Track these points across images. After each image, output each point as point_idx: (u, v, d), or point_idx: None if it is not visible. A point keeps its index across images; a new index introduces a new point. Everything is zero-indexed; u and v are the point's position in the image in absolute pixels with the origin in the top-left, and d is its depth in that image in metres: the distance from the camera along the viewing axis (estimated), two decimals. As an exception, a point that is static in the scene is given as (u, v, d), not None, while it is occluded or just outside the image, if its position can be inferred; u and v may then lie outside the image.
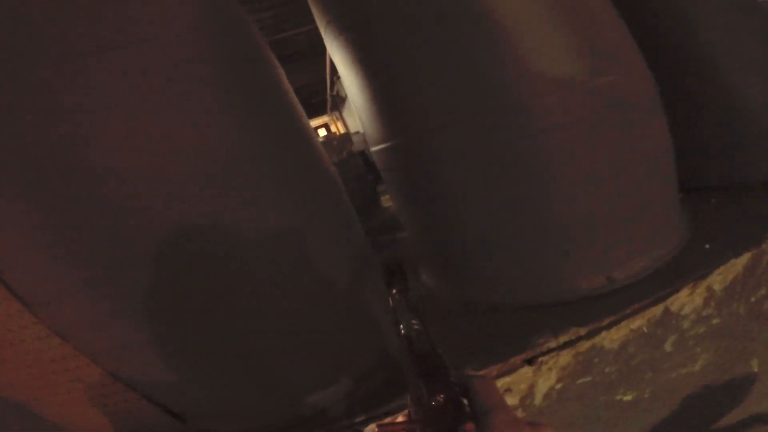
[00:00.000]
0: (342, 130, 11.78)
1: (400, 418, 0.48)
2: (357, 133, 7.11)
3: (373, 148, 1.62)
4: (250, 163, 1.06)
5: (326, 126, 13.41)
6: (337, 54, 1.56)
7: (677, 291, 1.16)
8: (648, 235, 1.29)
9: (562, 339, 1.13)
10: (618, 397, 1.23)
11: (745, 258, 1.20)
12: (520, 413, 1.15)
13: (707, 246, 1.33)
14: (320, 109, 12.23)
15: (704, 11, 1.58)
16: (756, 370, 1.35)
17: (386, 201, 4.62)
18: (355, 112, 1.82)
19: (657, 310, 1.15)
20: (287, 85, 1.33)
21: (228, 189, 1.01)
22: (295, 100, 1.34)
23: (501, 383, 1.13)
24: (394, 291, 0.73)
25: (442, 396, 0.41)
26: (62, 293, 0.95)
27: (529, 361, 1.13)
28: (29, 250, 0.91)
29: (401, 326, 0.62)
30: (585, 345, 1.13)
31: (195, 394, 1.14)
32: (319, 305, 1.17)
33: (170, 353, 1.05)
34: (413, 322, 0.61)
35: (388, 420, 0.50)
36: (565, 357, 1.14)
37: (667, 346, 1.22)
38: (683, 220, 1.46)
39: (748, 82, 1.57)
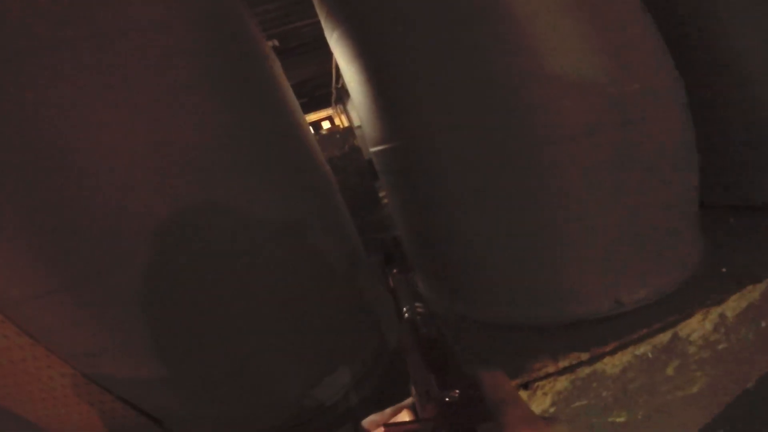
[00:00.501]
0: (346, 124, 11.68)
1: (405, 416, 0.42)
2: (360, 127, 7.03)
3: (372, 149, 1.53)
4: (238, 159, 1.00)
5: (330, 119, 13.30)
6: (336, 48, 1.47)
7: (689, 317, 1.08)
8: (663, 257, 1.19)
9: (562, 364, 1.05)
10: (610, 420, 1.15)
11: (764, 285, 1.12)
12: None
13: (724, 270, 1.24)
14: (325, 101, 12.12)
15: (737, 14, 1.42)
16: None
17: (386, 198, 4.54)
18: (355, 109, 1.73)
19: (665, 336, 1.07)
20: (282, 80, 1.26)
21: (215, 186, 0.95)
22: (291, 95, 1.28)
23: (493, 406, 1.06)
24: (394, 270, 0.70)
25: (456, 391, 0.37)
26: (35, 294, 0.89)
27: (525, 385, 1.05)
28: (1, 248, 0.85)
29: (404, 309, 0.56)
30: (585, 371, 1.05)
31: (178, 398, 1.08)
32: (310, 302, 1.12)
33: (151, 357, 0.98)
34: (417, 305, 0.56)
35: (393, 419, 0.42)
36: (563, 382, 1.06)
37: (669, 371, 1.14)
38: (700, 240, 1.36)
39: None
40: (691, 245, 1.30)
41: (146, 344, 0.96)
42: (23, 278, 0.88)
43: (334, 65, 7.54)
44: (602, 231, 1.11)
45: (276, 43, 5.44)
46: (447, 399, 0.37)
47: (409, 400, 0.44)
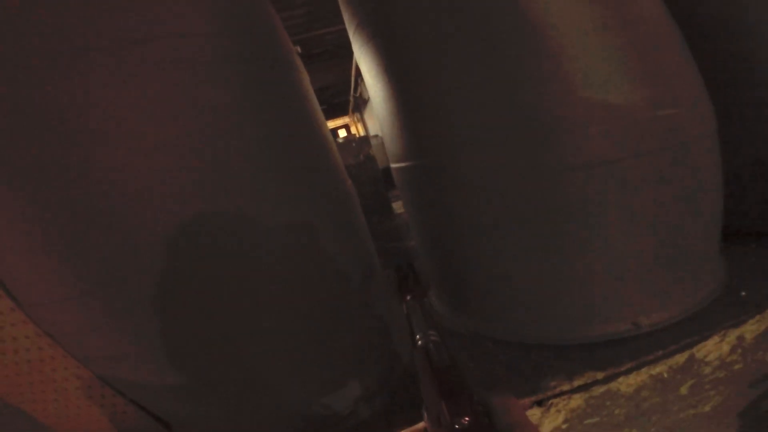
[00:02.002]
0: (362, 132, 11.77)
1: None
2: (376, 136, 7.07)
3: (394, 165, 1.55)
4: (262, 167, 1.02)
5: (347, 127, 13.41)
6: (363, 60, 1.50)
7: (706, 339, 1.07)
8: (684, 281, 1.19)
9: (577, 383, 1.05)
10: None
11: (784, 308, 1.11)
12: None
13: (743, 293, 1.23)
14: (342, 109, 12.23)
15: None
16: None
17: (399, 207, 4.56)
18: (377, 122, 1.75)
19: (681, 358, 1.07)
20: (308, 89, 1.28)
21: (236, 193, 0.97)
22: (316, 105, 1.29)
23: (506, 421, 1.07)
24: (407, 296, 0.70)
25: (466, 419, 0.38)
26: (58, 296, 0.91)
27: (539, 403, 1.06)
28: (26, 248, 0.88)
29: (417, 337, 0.57)
30: (599, 389, 1.05)
31: (189, 403, 1.09)
32: (323, 310, 1.12)
33: (167, 362, 1.00)
34: (431, 332, 0.56)
35: None
36: (577, 400, 1.06)
37: (683, 390, 1.13)
38: (721, 265, 1.36)
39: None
40: (713, 270, 1.29)
41: (163, 349, 0.97)
42: (48, 281, 0.90)
43: (353, 74, 7.63)
44: (625, 254, 1.11)
45: (299, 49, 5.53)
46: (457, 426, 0.38)
47: (421, 425, 0.46)
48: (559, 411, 1.06)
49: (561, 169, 1.07)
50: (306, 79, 1.29)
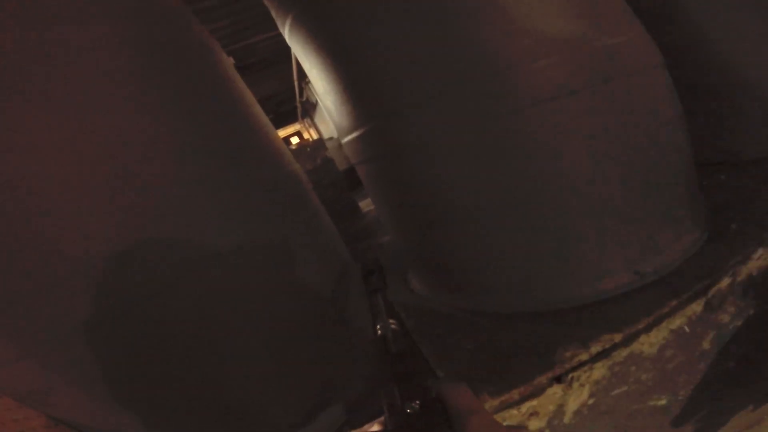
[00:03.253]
0: (315, 137, 11.56)
1: (375, 427, 0.44)
2: (331, 139, 6.92)
3: (344, 139, 1.41)
4: (200, 182, 0.88)
5: (299, 134, 13.15)
6: (291, 37, 1.37)
7: (718, 281, 1.01)
8: (673, 218, 1.12)
9: (595, 349, 0.95)
10: (651, 403, 1.07)
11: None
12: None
13: (734, 226, 1.18)
14: (291, 117, 11.96)
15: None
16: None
17: (366, 205, 4.44)
18: (321, 106, 1.61)
19: (697, 306, 0.99)
20: (233, 73, 1.15)
21: (169, 206, 0.82)
22: (245, 90, 1.16)
23: (525, 408, 0.96)
24: (372, 290, 0.70)
25: (417, 402, 0.40)
26: None
27: (558, 379, 0.95)
28: None
29: (378, 326, 0.58)
30: (622, 353, 0.96)
31: None
32: (294, 329, 1.00)
33: (122, 397, 0.85)
34: (391, 321, 0.58)
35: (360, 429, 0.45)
36: (600, 370, 0.97)
37: (705, 344, 1.07)
38: (703, 201, 1.31)
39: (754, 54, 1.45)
40: (697, 204, 1.24)
41: (110, 385, 0.83)
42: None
43: (296, 78, 7.43)
44: (602, 197, 1.03)
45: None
46: (408, 411, 0.39)
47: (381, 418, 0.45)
48: (582, 385, 0.96)
49: (514, 110, 1.00)
50: (228, 61, 1.15)
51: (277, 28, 1.49)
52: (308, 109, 10.61)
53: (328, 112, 1.47)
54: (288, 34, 1.37)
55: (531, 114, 0.99)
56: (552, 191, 1.04)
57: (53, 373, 0.81)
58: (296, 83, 7.82)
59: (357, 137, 1.30)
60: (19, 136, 0.70)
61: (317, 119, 10.52)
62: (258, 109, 1.17)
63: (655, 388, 1.05)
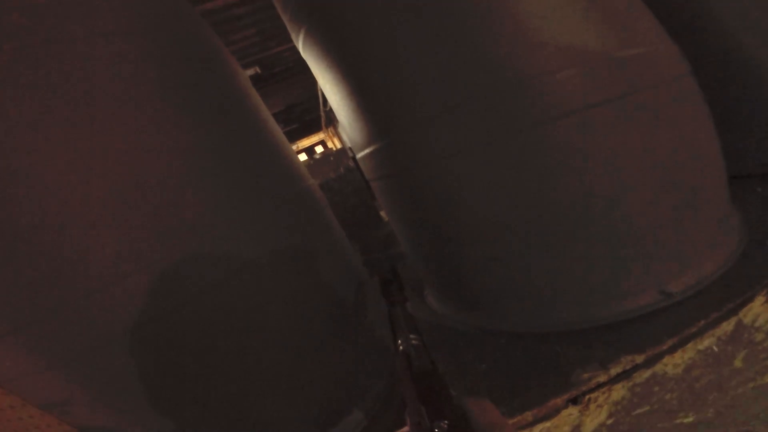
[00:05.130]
0: (339, 146, 11.66)
1: None
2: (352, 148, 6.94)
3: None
4: (219, 192, 0.89)
5: (323, 143, 13.28)
6: (305, 50, 1.36)
7: (751, 300, 0.94)
8: (704, 233, 1.05)
9: (614, 370, 0.90)
10: (677, 422, 1.00)
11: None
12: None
13: (770, 242, 1.11)
14: (315, 126, 12.11)
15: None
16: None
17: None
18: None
19: (728, 326, 0.93)
20: (249, 87, 1.17)
21: (183, 222, 0.83)
22: (260, 104, 1.18)
23: (538, 429, 0.91)
24: (391, 301, 0.71)
25: (445, 423, 0.39)
26: None
27: (574, 401, 0.91)
28: None
29: (399, 342, 0.58)
30: (644, 374, 0.91)
31: None
32: (319, 330, 1.01)
33: (141, 407, 0.85)
34: (412, 336, 0.58)
35: None
36: (619, 391, 0.91)
37: (737, 363, 0.99)
38: (737, 214, 1.22)
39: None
40: (730, 219, 1.16)
41: (131, 395, 0.84)
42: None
43: (319, 88, 7.52)
44: (627, 214, 0.98)
45: (258, 70, 5.41)
46: (436, 430, 0.39)
47: (404, 430, 0.44)
48: (600, 406, 0.91)
49: (537, 122, 0.95)
50: (243, 75, 1.17)
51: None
52: (332, 118, 10.73)
53: (342, 126, 1.46)
54: (302, 46, 1.37)
55: (553, 128, 0.95)
56: (574, 208, 0.99)
57: (76, 384, 0.83)
58: (320, 92, 7.91)
59: (371, 153, 1.28)
60: (55, 148, 0.72)
61: (340, 128, 10.62)
62: (274, 124, 1.19)
63: (682, 407, 0.98)
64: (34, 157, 0.70)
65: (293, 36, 1.39)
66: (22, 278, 0.73)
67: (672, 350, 0.90)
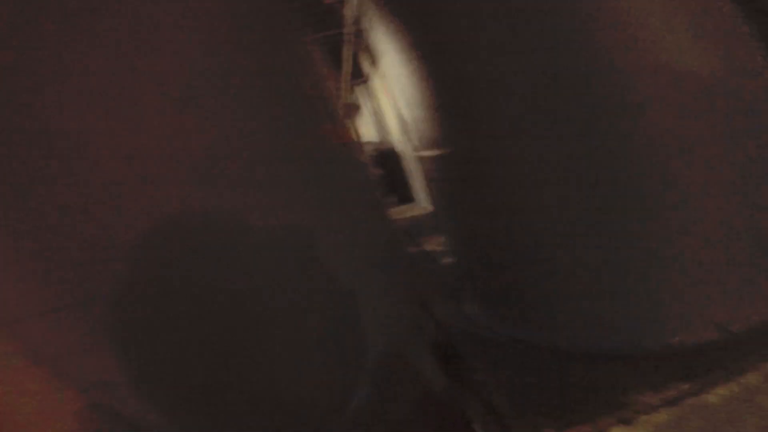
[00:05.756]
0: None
1: None
2: (369, 143, 6.88)
3: (425, 153, 1.42)
4: (270, 170, 0.94)
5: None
6: (385, 34, 1.37)
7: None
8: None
9: (664, 396, 0.95)
10: None
11: None
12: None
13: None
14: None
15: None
16: None
17: (395, 213, 4.40)
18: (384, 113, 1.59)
19: (770, 366, 0.98)
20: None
21: (238, 192, 0.89)
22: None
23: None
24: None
25: None
26: (29, 313, 0.80)
27: (625, 421, 0.95)
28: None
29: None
30: (688, 402, 0.96)
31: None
32: (329, 311, 1.03)
33: (158, 382, 0.89)
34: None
35: None
36: (663, 415, 0.97)
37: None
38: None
39: None
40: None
41: (154, 371, 0.88)
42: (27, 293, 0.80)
43: (343, 80, 7.43)
44: (701, 247, 1.03)
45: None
46: None
47: None
48: (644, 427, 0.96)
49: (631, 143, 1.00)
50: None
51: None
52: (350, 111, 10.64)
53: (403, 121, 1.47)
54: (374, 28, 1.39)
55: (644, 153, 0.99)
56: (652, 235, 1.03)
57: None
58: (344, 84, 7.83)
59: (440, 155, 1.31)
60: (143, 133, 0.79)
61: (359, 122, 10.53)
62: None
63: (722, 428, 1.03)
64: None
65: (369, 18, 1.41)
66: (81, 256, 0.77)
67: (716, 382, 0.95)
